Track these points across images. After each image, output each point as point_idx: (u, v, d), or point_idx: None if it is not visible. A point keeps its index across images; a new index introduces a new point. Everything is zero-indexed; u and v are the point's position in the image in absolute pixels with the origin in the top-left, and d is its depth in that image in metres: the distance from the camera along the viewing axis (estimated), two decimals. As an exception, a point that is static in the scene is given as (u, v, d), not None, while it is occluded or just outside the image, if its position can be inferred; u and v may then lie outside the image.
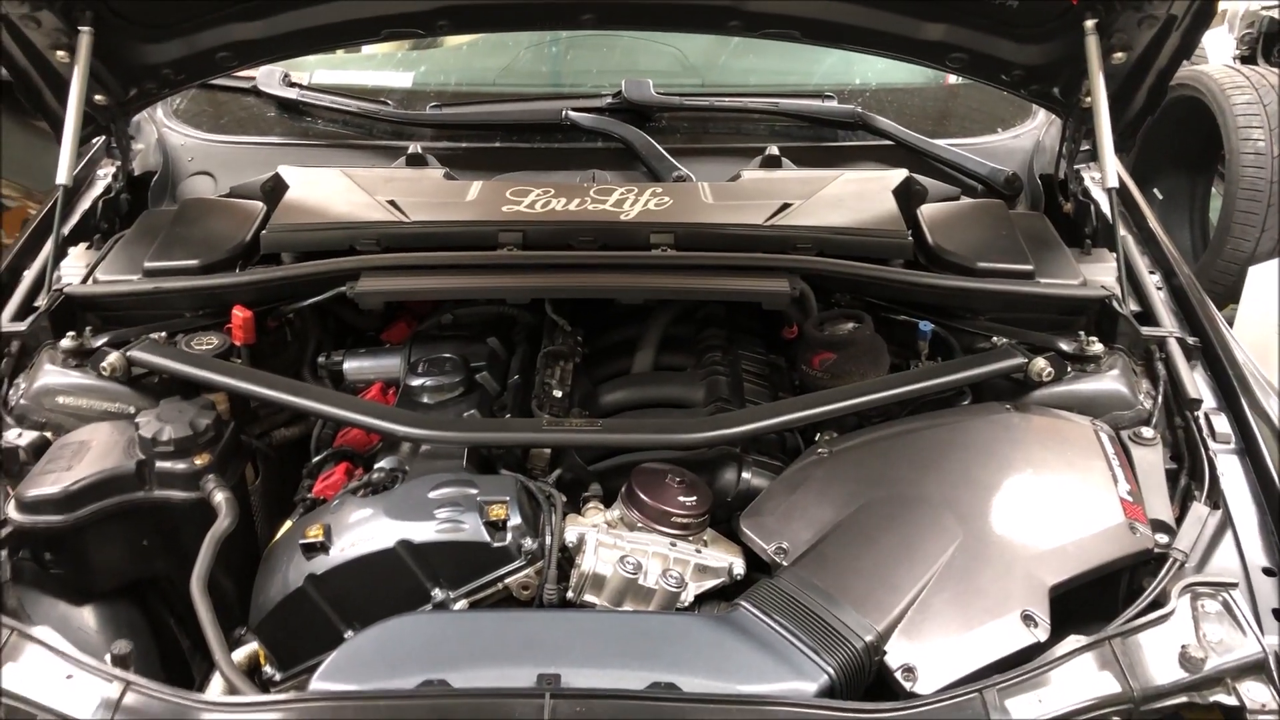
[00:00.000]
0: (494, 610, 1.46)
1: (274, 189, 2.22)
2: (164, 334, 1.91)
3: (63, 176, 2.03)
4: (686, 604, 1.53)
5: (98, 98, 2.24)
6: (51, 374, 1.86)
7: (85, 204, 2.34)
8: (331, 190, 2.19)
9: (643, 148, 2.37)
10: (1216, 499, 1.65)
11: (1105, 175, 2.02)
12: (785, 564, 1.51)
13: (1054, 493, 1.63)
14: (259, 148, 2.52)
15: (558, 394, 1.84)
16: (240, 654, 1.63)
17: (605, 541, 1.53)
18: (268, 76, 2.58)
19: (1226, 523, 1.62)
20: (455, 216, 2.07)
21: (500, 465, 1.68)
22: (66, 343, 1.88)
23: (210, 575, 1.59)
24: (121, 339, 1.90)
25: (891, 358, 2.00)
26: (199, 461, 1.70)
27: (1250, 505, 1.66)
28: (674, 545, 1.55)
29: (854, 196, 2.18)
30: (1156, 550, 1.56)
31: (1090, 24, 2.03)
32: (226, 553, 1.65)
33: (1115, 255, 2.12)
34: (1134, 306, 2.02)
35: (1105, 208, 2.28)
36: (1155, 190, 5.04)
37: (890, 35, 2.16)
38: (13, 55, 2.06)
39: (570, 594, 1.52)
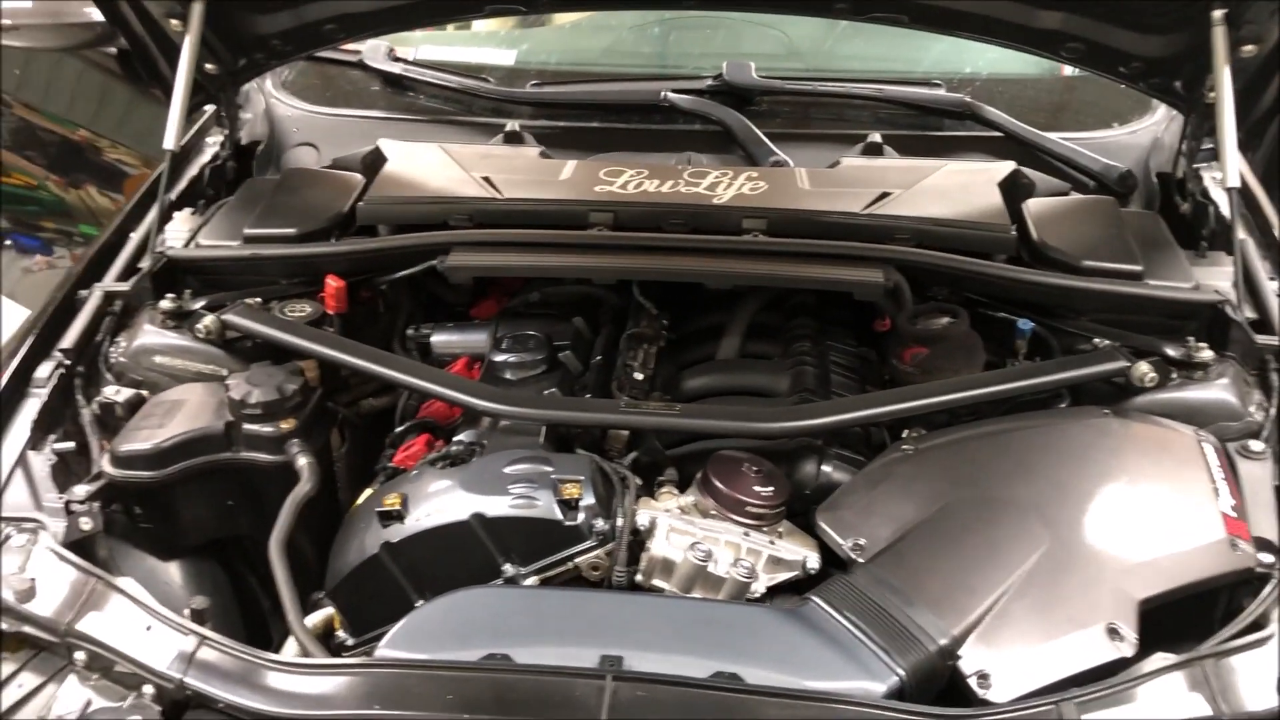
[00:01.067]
0: (562, 589, 1.45)
1: (373, 162, 2.25)
2: (259, 300, 1.95)
3: (170, 142, 2.09)
4: (757, 595, 1.50)
5: (208, 67, 2.29)
6: (150, 334, 1.91)
7: (194, 170, 2.40)
8: (428, 165, 2.20)
9: (740, 131, 2.33)
10: (1328, 523, 1.56)
11: (1226, 174, 1.91)
12: (861, 560, 1.47)
13: (1150, 503, 1.55)
14: (362, 121, 2.56)
15: (639, 376, 1.82)
16: (315, 617, 1.65)
17: (677, 527, 1.51)
18: (373, 51, 2.61)
19: (1339, 546, 1.53)
20: (548, 195, 2.07)
21: (577, 445, 1.67)
22: (165, 304, 1.93)
23: (290, 538, 1.62)
24: (219, 303, 1.95)
25: (989, 355, 1.94)
26: (284, 426, 1.73)
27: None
28: (747, 535, 1.52)
29: (957, 188, 2.11)
30: (1259, 570, 1.48)
31: (1218, 14, 1.92)
32: (308, 517, 1.69)
33: (1232, 259, 2.01)
34: (1250, 313, 1.92)
35: (1225, 209, 2.17)
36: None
37: (1003, 22, 2.08)
38: (129, 23, 2.11)
39: (639, 577, 1.50)
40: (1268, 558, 1.50)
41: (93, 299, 1.96)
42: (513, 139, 2.37)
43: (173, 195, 2.24)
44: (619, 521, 1.52)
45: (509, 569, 1.54)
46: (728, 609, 1.41)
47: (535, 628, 1.36)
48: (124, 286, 1.98)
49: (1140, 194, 2.34)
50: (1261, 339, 1.81)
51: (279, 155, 2.52)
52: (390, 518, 1.57)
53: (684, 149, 2.33)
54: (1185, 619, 1.49)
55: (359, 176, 2.25)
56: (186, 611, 1.47)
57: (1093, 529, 1.50)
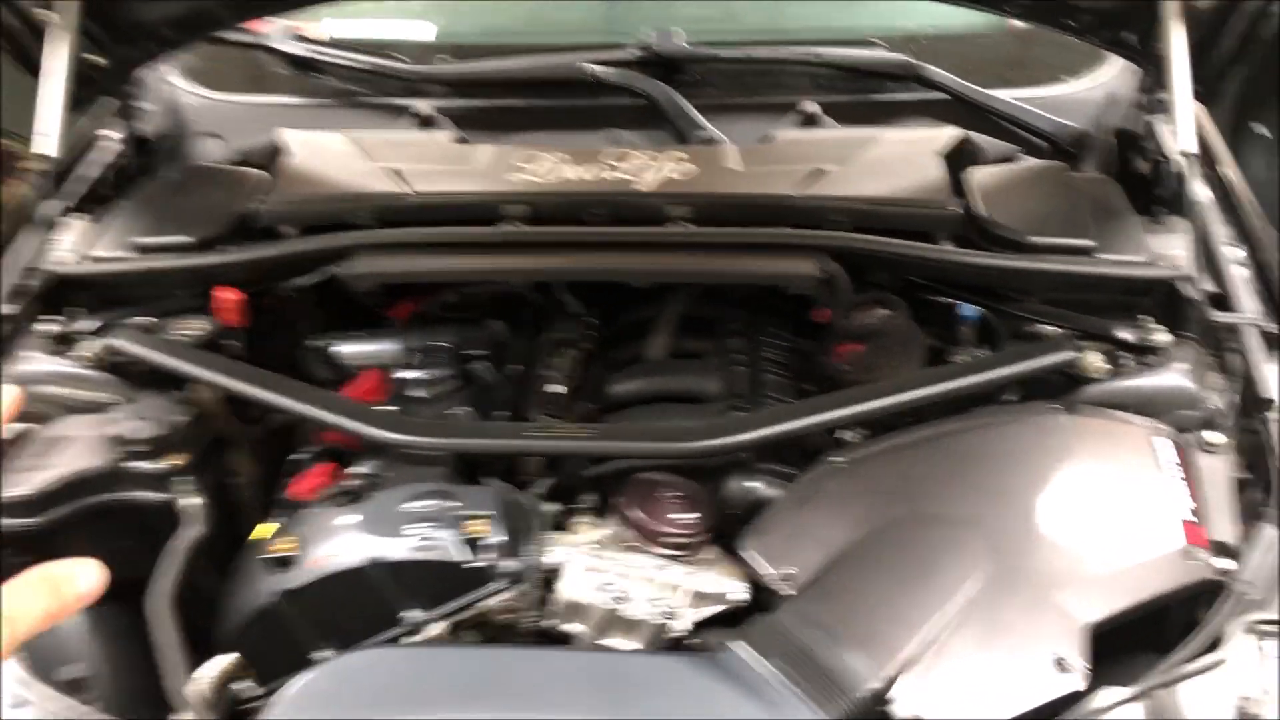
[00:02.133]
0: (459, 646, 1.34)
1: (274, 155, 2.09)
2: (151, 319, 1.81)
3: (52, 147, 1.94)
4: (680, 634, 1.39)
5: (93, 58, 2.13)
6: (33, 361, 1.77)
7: (92, 171, 2.24)
8: (333, 156, 2.05)
9: (668, 105, 2.18)
10: (1290, 521, 1.45)
11: (1179, 137, 1.78)
12: (790, 591, 1.37)
13: (1101, 512, 1.44)
14: (270, 108, 2.40)
15: (558, 389, 1.70)
16: (216, 665, 1.54)
17: (590, 565, 1.40)
18: (279, 32, 2.44)
19: (1302, 546, 1.43)
20: (459, 186, 1.93)
21: (487, 472, 1.55)
22: (49, 327, 1.79)
23: (190, 583, 1.51)
24: (113, 322, 1.81)
25: (932, 341, 1.82)
26: (173, 463, 1.60)
27: (1327, 525, 1.46)
28: (667, 568, 1.41)
29: (898, 160, 1.98)
30: (1216, 578, 1.38)
31: None
32: (218, 552, 1.57)
33: (1191, 226, 1.90)
34: (1208, 287, 1.80)
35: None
36: (1261, 127, 4.63)
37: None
38: (-1, 15, 1.95)
39: (551, 622, 1.39)
40: (1225, 563, 1.40)
41: (-38, 325, 1.82)
42: (426, 123, 2.22)
43: (57, 203, 2.08)
44: (529, 560, 1.41)
45: (415, 615, 1.42)
46: (641, 661, 1.30)
47: (430, 691, 1.25)
48: (7, 309, 1.84)
49: (1096, 153, 2.21)
50: (1220, 316, 1.69)
51: (183, 149, 2.36)
52: (281, 564, 1.45)
53: (610, 125, 2.19)
54: (1139, 633, 1.40)
55: (261, 173, 2.09)
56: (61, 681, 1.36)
57: (1039, 545, 1.39)
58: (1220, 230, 1.93)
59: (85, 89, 2.19)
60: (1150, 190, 2.10)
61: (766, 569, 1.39)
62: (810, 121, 2.15)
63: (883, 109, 2.24)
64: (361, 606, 1.44)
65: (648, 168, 1.95)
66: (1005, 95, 2.23)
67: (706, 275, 1.75)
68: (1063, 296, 1.79)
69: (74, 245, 1.99)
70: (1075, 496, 1.46)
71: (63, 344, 1.78)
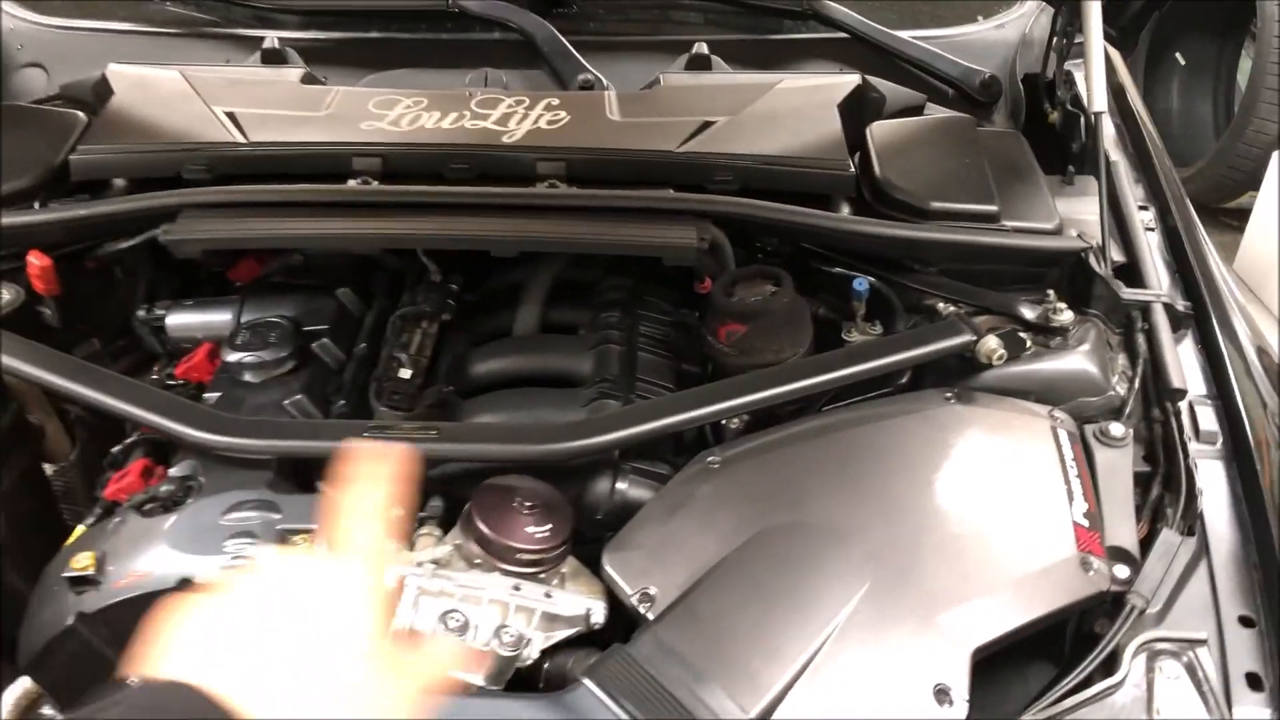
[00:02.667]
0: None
1: (100, 94, 1.85)
2: None
3: None
4: (529, 661, 1.25)
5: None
6: None
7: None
8: (165, 96, 1.82)
9: (545, 42, 1.98)
10: (1192, 522, 1.36)
11: (1091, 96, 1.64)
12: (649, 615, 1.23)
13: (992, 517, 1.32)
14: (104, 36, 2.14)
15: (405, 374, 1.52)
16: (18, 688, 1.37)
17: (429, 588, 1.24)
18: (110, -53, 2.17)
19: (1202, 553, 1.33)
20: (303, 136, 1.72)
21: (321, 475, 1.37)
22: None
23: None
24: None
25: (827, 313, 1.68)
26: (-40, 460, 1.41)
27: (1232, 530, 1.37)
28: (518, 589, 1.26)
29: (791, 112, 1.81)
30: (1113, 589, 1.28)
31: None
32: (31, 549, 1.40)
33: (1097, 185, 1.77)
34: (1117, 256, 1.68)
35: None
36: (1178, 55, 4.54)
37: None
38: None
39: (384, 652, 1.24)
40: (1122, 571, 1.30)
41: None
42: (272, 58, 1.98)
43: None
44: None
45: (232, 639, 1.26)
46: (479, 707, 1.16)
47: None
48: None
49: (1005, 102, 2.07)
50: (1128, 293, 1.57)
51: (4, 79, 2.10)
52: (83, 583, 1.28)
53: (482, 63, 1.98)
54: (1032, 643, 1.30)
55: (83, 115, 1.85)
56: None
57: (923, 558, 1.27)
58: (1131, 192, 1.82)
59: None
60: (1061, 143, 1.97)
61: (624, 590, 1.25)
62: (700, 64, 1.96)
63: (780, 49, 2.07)
64: (173, 630, 1.27)
65: (516, 115, 1.76)
66: (911, 36, 2.06)
67: (576, 244, 1.57)
68: (964, 268, 1.66)
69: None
70: (965, 500, 1.34)
71: None
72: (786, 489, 1.35)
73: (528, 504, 1.30)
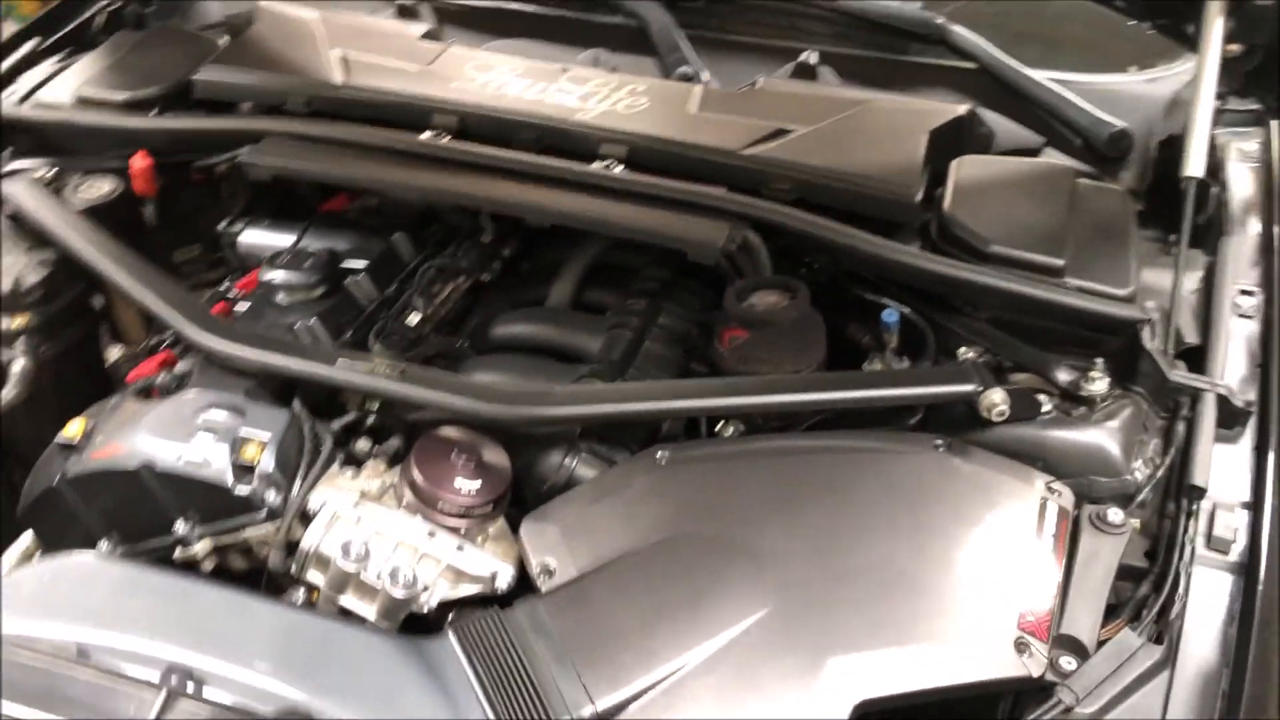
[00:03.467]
0: (170, 574, 1.25)
1: (242, 26, 2.01)
2: (56, 170, 1.78)
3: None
4: (426, 610, 1.27)
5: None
6: (-56, 195, 1.77)
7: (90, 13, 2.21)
8: (293, 35, 1.95)
9: (658, 32, 1.98)
10: (1164, 630, 1.22)
11: (1188, 158, 1.50)
12: (543, 588, 1.23)
13: (934, 574, 1.24)
14: (279, -27, 2.30)
15: (414, 319, 1.57)
16: (23, 542, 1.52)
17: (346, 516, 1.29)
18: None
19: (1166, 665, 1.20)
20: (395, 86, 1.80)
21: (301, 392, 1.44)
22: None
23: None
24: (18, 170, 1.78)
25: (867, 340, 1.61)
26: (18, 322, 1.57)
27: (1213, 648, 1.21)
28: (433, 536, 1.29)
29: (879, 130, 1.74)
30: (1048, 679, 1.17)
31: None
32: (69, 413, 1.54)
33: (1209, 260, 1.62)
34: (1193, 338, 1.53)
35: (1240, 188, 1.75)
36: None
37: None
38: None
39: (294, 568, 1.29)
40: (1069, 662, 1.19)
41: (-99, 151, 1.82)
42: (406, 12, 2.09)
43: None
44: (292, 495, 1.31)
45: (181, 527, 1.35)
46: (340, 631, 1.18)
47: (123, 615, 1.17)
48: (-66, 139, 1.84)
49: (1137, 159, 1.90)
50: (1176, 376, 1.43)
51: (186, 4, 2.30)
52: (68, 449, 1.40)
53: (597, 44, 2.01)
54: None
55: (221, 41, 2.02)
56: None
57: (835, 598, 1.21)
58: (1241, 273, 1.64)
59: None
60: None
61: (529, 557, 1.25)
62: (806, 73, 1.91)
63: (901, 70, 1.98)
64: (138, 506, 1.37)
65: (597, 96, 1.78)
66: (1048, 76, 1.93)
67: (604, 225, 1.57)
68: (1015, 319, 1.55)
69: (29, 85, 1.98)
70: (911, 550, 1.26)
71: (-27, 184, 1.76)
72: (724, 500, 1.31)
73: (464, 458, 1.33)
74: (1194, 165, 1.50)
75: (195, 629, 1.16)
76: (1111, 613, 1.28)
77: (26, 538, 1.52)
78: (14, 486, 1.52)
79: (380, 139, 1.69)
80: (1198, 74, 1.51)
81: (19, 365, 1.53)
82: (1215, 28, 1.50)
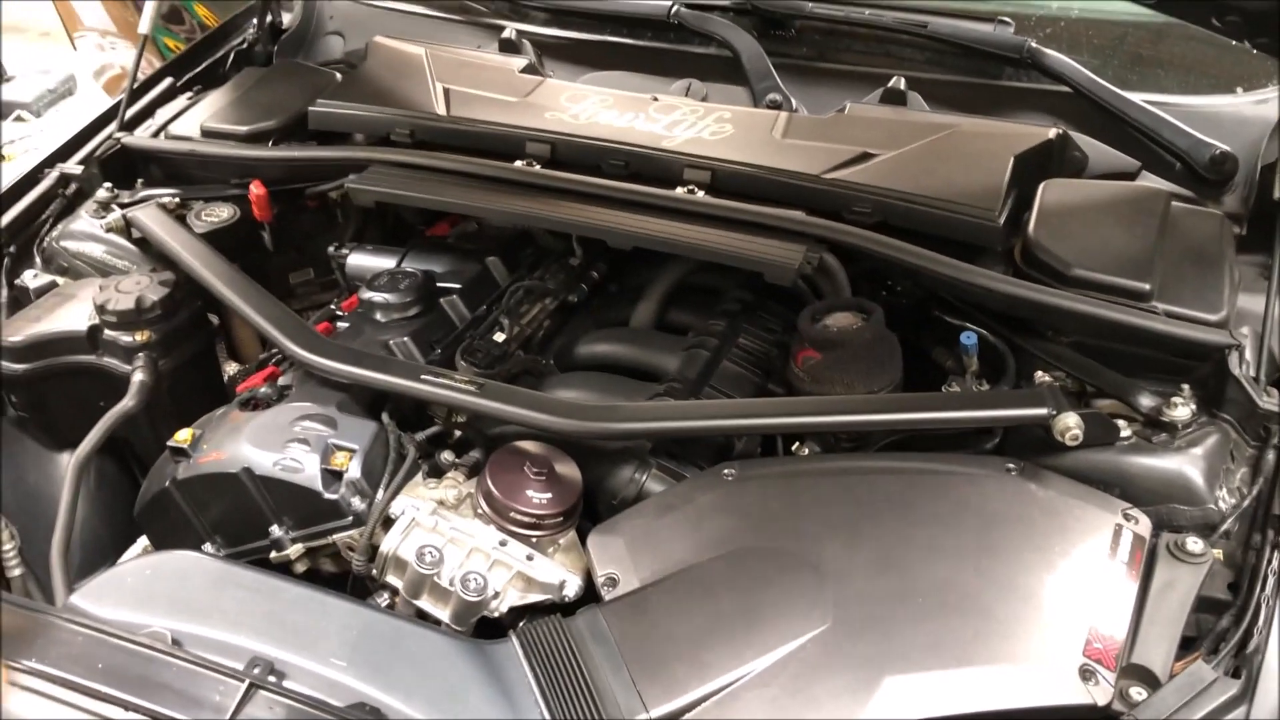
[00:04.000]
0: (258, 572, 1.33)
1: (357, 61, 2.13)
2: (178, 197, 1.91)
3: (144, 25, 2.06)
4: (497, 614, 1.32)
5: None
6: (79, 221, 1.92)
7: (219, 51, 2.37)
8: (402, 69, 2.06)
9: (750, 60, 2.02)
10: (1242, 664, 1.18)
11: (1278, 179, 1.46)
12: (607, 598, 1.26)
13: (999, 596, 1.23)
14: (393, 14, 2.42)
15: (499, 337, 1.63)
16: (139, 545, 1.63)
17: (424, 523, 1.35)
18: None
19: (1242, 701, 1.16)
20: (492, 116, 1.88)
21: (391, 405, 1.51)
22: (101, 193, 1.93)
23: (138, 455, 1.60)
24: (148, 197, 1.92)
25: (946, 359, 1.61)
26: (139, 337, 1.69)
27: (1293, 683, 1.18)
28: (504, 544, 1.34)
29: (963, 154, 1.74)
30: (1114, 708, 1.15)
31: None
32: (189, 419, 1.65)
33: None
34: (1287, 368, 1.48)
35: None
36: None
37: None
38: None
39: (375, 571, 1.36)
40: (1139, 692, 1.16)
41: (47, 179, 1.98)
42: (508, 47, 2.17)
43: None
44: (377, 501, 1.38)
45: (276, 531, 1.44)
46: (411, 631, 1.23)
47: (214, 609, 1.25)
48: (78, 169, 1.99)
49: (1241, 184, 1.85)
50: (1266, 402, 1.39)
51: (308, 42, 2.44)
52: (179, 454, 1.50)
53: (692, 73, 2.05)
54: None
55: (338, 75, 2.14)
56: None
57: (896, 616, 1.21)
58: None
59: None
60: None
61: (595, 566, 1.29)
62: (895, 98, 1.92)
63: (993, 94, 1.97)
64: (239, 510, 1.46)
65: (684, 123, 1.82)
66: (1145, 98, 1.89)
67: (683, 248, 1.61)
68: (1101, 344, 1.53)
69: (163, 119, 2.13)
70: (977, 571, 1.25)
71: (105, 210, 1.90)
72: (788, 516, 1.33)
73: (536, 471, 1.38)
74: (1284, 187, 1.46)
75: (278, 624, 1.23)
76: (1191, 645, 1.25)
77: (143, 540, 1.64)
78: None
79: (476, 167, 1.77)
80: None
81: (138, 377, 1.65)
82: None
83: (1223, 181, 1.84)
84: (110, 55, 4.38)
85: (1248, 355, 1.46)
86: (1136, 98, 1.89)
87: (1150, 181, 1.84)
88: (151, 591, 1.29)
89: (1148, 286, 1.51)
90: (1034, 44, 1.93)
